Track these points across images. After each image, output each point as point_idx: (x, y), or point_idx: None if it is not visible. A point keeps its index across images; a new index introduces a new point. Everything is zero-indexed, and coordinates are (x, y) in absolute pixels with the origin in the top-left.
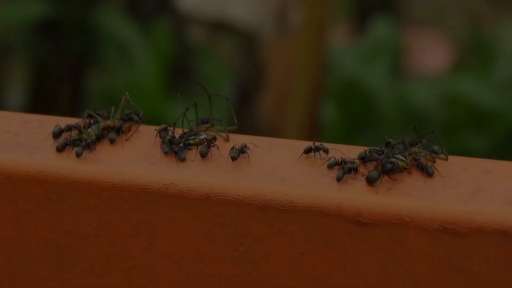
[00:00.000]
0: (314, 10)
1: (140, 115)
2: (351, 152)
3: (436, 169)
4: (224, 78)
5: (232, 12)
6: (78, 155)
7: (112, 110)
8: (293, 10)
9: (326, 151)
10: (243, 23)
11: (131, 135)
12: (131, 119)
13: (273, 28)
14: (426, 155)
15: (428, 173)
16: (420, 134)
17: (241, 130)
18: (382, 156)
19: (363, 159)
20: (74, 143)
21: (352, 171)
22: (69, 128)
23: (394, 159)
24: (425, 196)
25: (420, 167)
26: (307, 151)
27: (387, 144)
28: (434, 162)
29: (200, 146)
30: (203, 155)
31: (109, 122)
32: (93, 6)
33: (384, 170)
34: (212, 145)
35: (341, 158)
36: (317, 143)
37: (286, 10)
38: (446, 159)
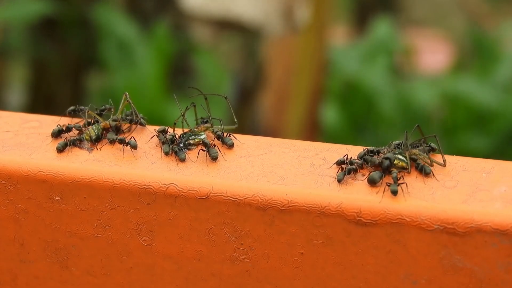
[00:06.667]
0: (315, 10)
1: (142, 120)
2: (352, 151)
3: (433, 171)
4: (225, 78)
5: (237, 10)
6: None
7: (112, 109)
8: (299, 9)
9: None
10: (248, 22)
11: (130, 135)
12: (131, 120)
13: (279, 27)
14: (425, 159)
15: (425, 172)
16: (422, 137)
17: (241, 130)
18: (381, 156)
19: (363, 159)
20: (74, 143)
21: (352, 172)
22: (69, 129)
23: (390, 154)
24: (425, 196)
25: (418, 167)
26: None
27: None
28: (432, 165)
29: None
30: (214, 159)
31: (109, 122)
32: (93, 5)
33: (383, 169)
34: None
35: (347, 157)
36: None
37: (292, 9)
38: (444, 165)
